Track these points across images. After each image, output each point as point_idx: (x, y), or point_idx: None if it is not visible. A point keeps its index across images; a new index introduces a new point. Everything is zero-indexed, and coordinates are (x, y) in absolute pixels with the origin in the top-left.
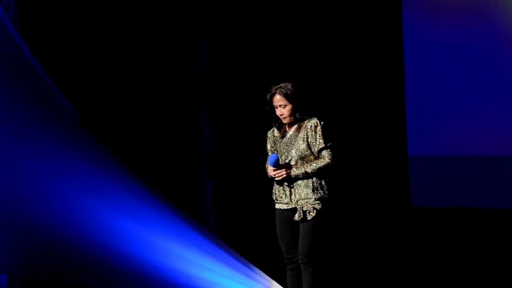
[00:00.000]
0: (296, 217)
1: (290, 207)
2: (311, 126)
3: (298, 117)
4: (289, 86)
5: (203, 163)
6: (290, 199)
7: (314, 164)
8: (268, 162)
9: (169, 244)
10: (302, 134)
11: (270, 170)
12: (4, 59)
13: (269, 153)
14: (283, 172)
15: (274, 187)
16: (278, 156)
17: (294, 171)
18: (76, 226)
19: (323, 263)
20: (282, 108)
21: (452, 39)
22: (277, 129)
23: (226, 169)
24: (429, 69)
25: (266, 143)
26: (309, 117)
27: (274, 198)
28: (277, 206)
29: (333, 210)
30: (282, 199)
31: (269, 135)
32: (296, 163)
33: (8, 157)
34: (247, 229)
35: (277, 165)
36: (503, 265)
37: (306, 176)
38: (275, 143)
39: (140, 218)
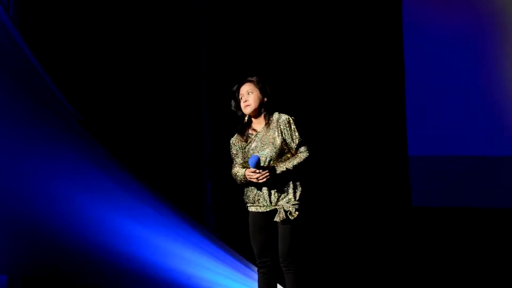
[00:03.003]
0: (277, 218)
1: (268, 210)
2: (284, 123)
3: (263, 112)
4: (258, 77)
5: (203, 164)
6: (270, 200)
7: (295, 160)
8: (236, 170)
9: (170, 244)
10: (273, 130)
11: (251, 173)
12: (4, 59)
13: (234, 159)
14: (267, 174)
15: (246, 190)
16: (258, 157)
17: (277, 170)
18: (76, 226)
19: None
20: (247, 94)
21: (453, 39)
22: (240, 133)
23: (226, 169)
24: (429, 69)
25: (230, 150)
26: (273, 113)
27: (248, 201)
28: (252, 209)
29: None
30: (260, 202)
31: (233, 141)
32: (275, 163)
33: (8, 156)
34: (247, 229)
35: (258, 167)
36: (503, 265)
37: (288, 173)
38: (240, 150)
39: (140, 218)
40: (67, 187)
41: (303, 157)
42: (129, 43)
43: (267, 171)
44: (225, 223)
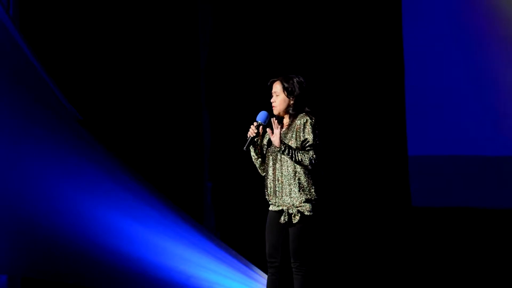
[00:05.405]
0: (282, 219)
1: (278, 209)
2: (300, 124)
3: (291, 113)
4: (295, 79)
5: (203, 163)
6: (278, 199)
7: (301, 153)
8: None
9: (169, 244)
10: (291, 133)
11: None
12: (4, 59)
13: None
14: (275, 129)
15: (265, 187)
16: (267, 115)
17: (284, 145)
18: (76, 226)
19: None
20: (275, 96)
21: (452, 39)
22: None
23: (226, 169)
24: (429, 69)
25: None
26: (300, 114)
27: (267, 198)
28: (269, 207)
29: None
30: (272, 200)
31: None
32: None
33: (8, 157)
34: (247, 229)
35: (266, 122)
36: (503, 265)
37: (290, 153)
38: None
39: (140, 218)
40: (66, 187)
41: (307, 156)
42: (128, 43)
43: (278, 129)
44: (225, 223)
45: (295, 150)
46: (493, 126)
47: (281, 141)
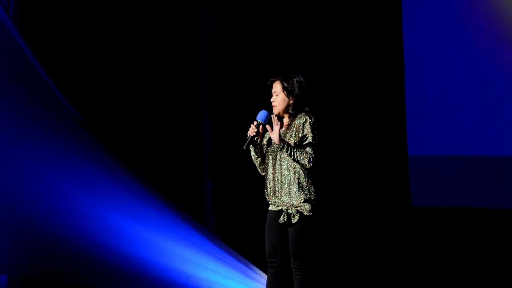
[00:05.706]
0: (281, 219)
1: (277, 209)
2: (300, 123)
3: (290, 112)
4: (295, 78)
5: (203, 163)
6: (278, 199)
7: (299, 151)
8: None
9: (169, 244)
10: (291, 132)
11: (252, 125)
12: (4, 59)
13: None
14: (275, 126)
15: (265, 187)
16: (267, 114)
17: (283, 142)
18: (76, 226)
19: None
20: (275, 95)
21: (452, 39)
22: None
23: (226, 169)
24: (429, 69)
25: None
26: (300, 113)
27: (266, 198)
28: (269, 207)
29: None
30: (271, 199)
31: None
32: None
33: (8, 157)
34: (247, 229)
35: (266, 121)
36: (503, 265)
37: (289, 150)
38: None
39: (140, 218)
40: (66, 187)
41: (306, 155)
42: (129, 43)
43: (277, 126)
44: (225, 223)
45: (294, 148)
46: (493, 126)
47: (281, 139)
